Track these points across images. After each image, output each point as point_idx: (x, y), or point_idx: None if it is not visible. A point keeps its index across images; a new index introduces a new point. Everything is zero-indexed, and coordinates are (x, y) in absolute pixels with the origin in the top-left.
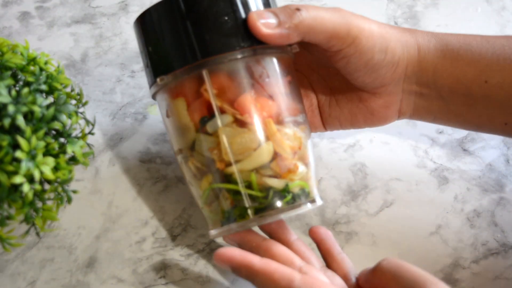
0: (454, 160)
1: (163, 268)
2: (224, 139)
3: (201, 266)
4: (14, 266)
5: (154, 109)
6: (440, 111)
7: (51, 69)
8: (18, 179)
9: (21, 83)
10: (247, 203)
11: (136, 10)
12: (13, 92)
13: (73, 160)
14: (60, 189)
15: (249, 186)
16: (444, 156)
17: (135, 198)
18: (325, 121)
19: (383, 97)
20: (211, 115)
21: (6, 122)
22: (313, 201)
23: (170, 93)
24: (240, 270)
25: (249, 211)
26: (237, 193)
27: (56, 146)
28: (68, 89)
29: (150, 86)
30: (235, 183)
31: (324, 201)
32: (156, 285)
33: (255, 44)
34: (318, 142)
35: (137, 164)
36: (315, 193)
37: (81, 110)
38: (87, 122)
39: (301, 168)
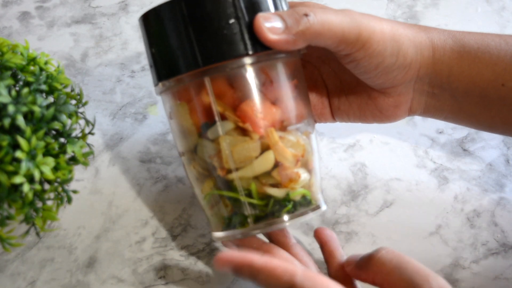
0: (454, 160)
1: (163, 268)
2: (225, 147)
3: (201, 266)
4: (14, 266)
5: (154, 109)
6: (452, 111)
7: (51, 69)
8: (18, 179)
9: (21, 83)
10: (246, 211)
11: (136, 10)
12: (13, 92)
13: (73, 160)
14: (60, 189)
15: (249, 194)
16: (444, 156)
17: (135, 198)
18: (334, 113)
19: (393, 97)
20: (213, 122)
21: (6, 122)
22: (315, 207)
23: (173, 96)
24: (242, 271)
25: (249, 219)
26: (237, 200)
27: (56, 146)
28: (68, 89)
29: (155, 86)
30: (236, 189)
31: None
32: (156, 285)
33: (260, 50)
34: (318, 141)
35: (137, 164)
36: (319, 198)
37: (81, 110)
38: (87, 122)
39: (304, 175)
